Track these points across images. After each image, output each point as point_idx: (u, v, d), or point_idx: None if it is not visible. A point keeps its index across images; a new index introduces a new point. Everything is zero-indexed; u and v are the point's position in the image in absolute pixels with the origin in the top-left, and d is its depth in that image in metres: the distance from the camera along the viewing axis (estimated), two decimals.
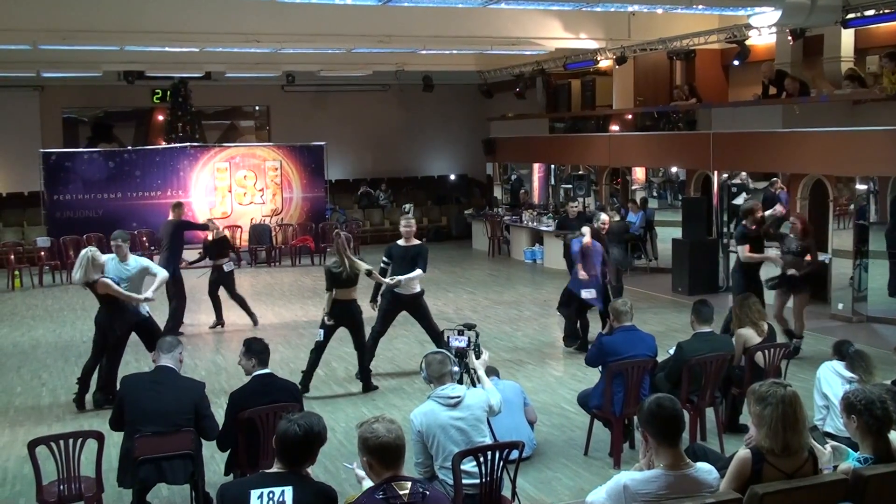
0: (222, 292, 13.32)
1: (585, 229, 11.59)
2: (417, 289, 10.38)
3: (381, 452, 3.99)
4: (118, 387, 7.35)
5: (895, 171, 12.92)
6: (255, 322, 13.52)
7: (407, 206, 24.85)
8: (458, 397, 5.72)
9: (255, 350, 6.55)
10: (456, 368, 6.00)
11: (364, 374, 10.05)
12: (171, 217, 13.60)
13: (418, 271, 10.12)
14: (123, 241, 9.77)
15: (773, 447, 4.32)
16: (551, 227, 18.41)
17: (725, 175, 16.51)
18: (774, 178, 16.72)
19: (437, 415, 5.66)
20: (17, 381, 10.81)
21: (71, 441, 5.95)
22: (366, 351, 10.03)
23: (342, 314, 9.79)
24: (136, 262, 9.77)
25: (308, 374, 9.78)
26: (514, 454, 5.66)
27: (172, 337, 6.84)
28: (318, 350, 9.86)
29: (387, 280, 10.13)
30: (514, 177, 24.71)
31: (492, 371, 7.67)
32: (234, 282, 13.48)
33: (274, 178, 21.59)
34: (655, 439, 4.30)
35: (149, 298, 9.49)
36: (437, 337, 10.31)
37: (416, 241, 10.45)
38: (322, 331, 9.86)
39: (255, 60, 19.25)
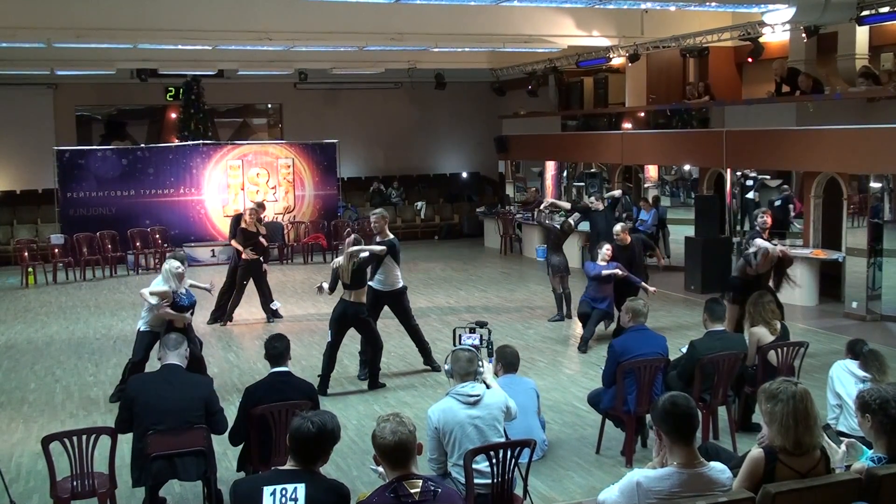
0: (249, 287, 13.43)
1: (607, 248, 11.50)
2: (399, 285, 10.36)
3: (385, 453, 4.05)
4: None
5: None
6: (269, 318, 13.60)
7: (419, 203, 24.89)
8: (478, 396, 5.72)
9: (266, 349, 6.61)
10: (482, 369, 5.99)
11: (372, 372, 10.04)
12: None
13: (370, 248, 9.91)
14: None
15: (785, 444, 4.30)
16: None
17: (739, 172, 16.47)
18: (785, 186, 16.81)
19: (455, 412, 5.66)
20: (31, 377, 10.87)
21: (84, 437, 5.98)
22: (378, 349, 10.02)
23: (347, 314, 9.75)
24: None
25: (325, 377, 9.73)
26: (525, 457, 5.66)
27: (177, 334, 6.83)
28: (330, 350, 9.82)
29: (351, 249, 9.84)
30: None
31: (510, 367, 7.65)
32: (266, 274, 13.67)
33: (286, 175, 21.64)
34: (669, 437, 4.28)
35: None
36: (414, 333, 10.43)
37: (390, 236, 10.36)
38: (331, 331, 9.85)
39: (267, 58, 19.30)
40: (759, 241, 10.34)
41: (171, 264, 9.18)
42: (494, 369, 7.58)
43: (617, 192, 15.00)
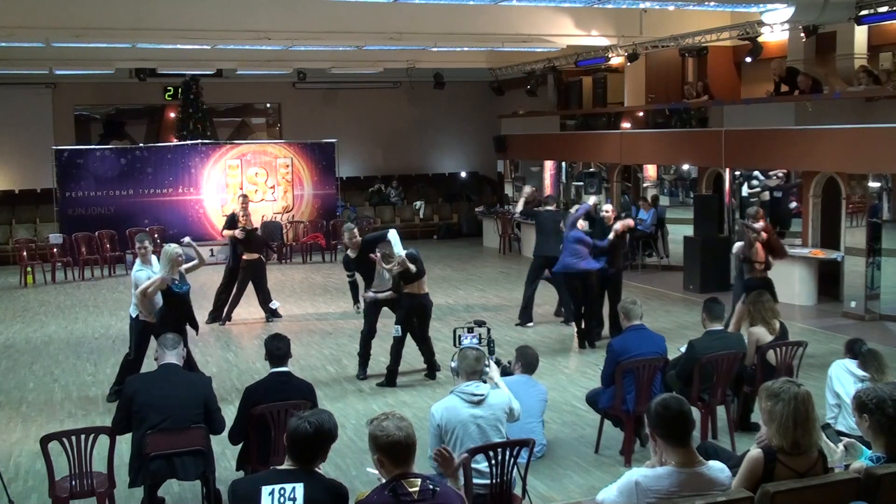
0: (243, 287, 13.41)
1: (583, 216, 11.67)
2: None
3: (392, 451, 3.97)
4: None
5: None
6: (268, 318, 13.57)
7: (418, 203, 24.89)
8: (482, 395, 5.73)
9: (270, 350, 6.60)
10: (487, 369, 5.99)
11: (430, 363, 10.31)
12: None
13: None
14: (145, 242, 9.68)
15: (782, 444, 4.30)
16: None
17: (738, 172, 16.46)
18: (782, 174, 16.77)
19: (458, 411, 5.67)
20: (30, 377, 10.86)
21: (83, 437, 5.98)
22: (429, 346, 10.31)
23: (415, 307, 10.02)
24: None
25: (392, 371, 10.00)
26: (524, 458, 5.66)
27: (174, 335, 6.82)
28: (396, 345, 10.00)
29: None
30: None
31: (529, 367, 7.64)
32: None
33: (285, 175, 21.63)
34: (664, 441, 4.28)
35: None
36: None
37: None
38: (399, 326, 10.00)
39: (266, 58, 19.30)
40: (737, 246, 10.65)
41: (173, 250, 9.32)
42: (513, 367, 7.58)
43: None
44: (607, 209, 12.01)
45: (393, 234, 10.00)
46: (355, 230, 10.49)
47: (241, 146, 21.75)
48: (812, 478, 4.29)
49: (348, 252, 10.49)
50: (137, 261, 9.77)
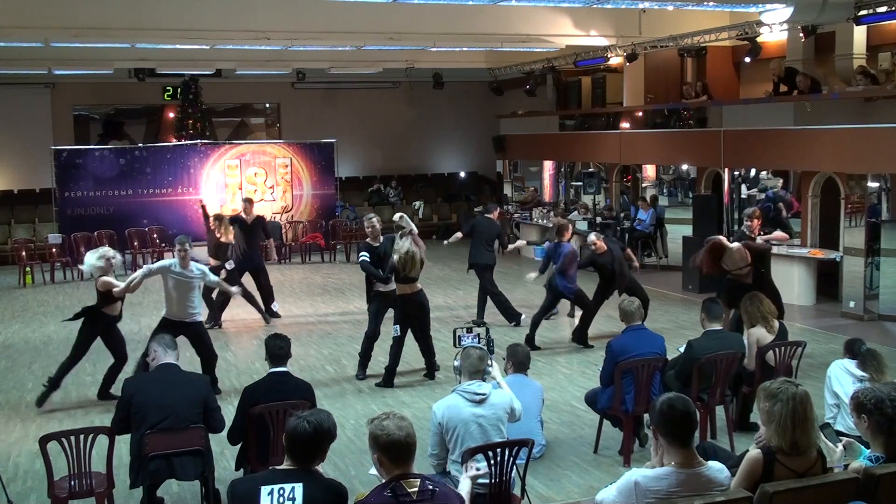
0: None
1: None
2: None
3: (392, 450, 3.99)
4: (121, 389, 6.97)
5: None
6: (267, 320, 13.54)
7: (417, 203, 24.88)
8: (484, 395, 5.73)
9: (270, 349, 6.60)
10: (490, 369, 5.99)
11: (430, 363, 10.29)
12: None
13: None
14: (190, 245, 9.67)
15: (781, 444, 4.31)
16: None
17: (738, 173, 16.45)
18: (778, 179, 16.80)
19: (460, 409, 5.67)
20: (29, 377, 10.86)
21: (82, 437, 5.98)
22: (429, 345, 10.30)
23: (413, 306, 10.00)
24: (197, 269, 9.66)
25: (391, 370, 9.98)
26: (523, 458, 5.66)
27: (170, 335, 6.81)
28: (396, 345, 9.99)
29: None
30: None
31: (521, 366, 7.64)
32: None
33: (284, 175, 21.62)
34: (666, 440, 4.28)
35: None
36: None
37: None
38: (398, 325, 9.99)
39: (265, 58, 19.30)
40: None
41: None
42: (504, 367, 7.58)
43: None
44: (592, 239, 11.85)
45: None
46: (374, 219, 10.55)
47: (240, 146, 21.74)
48: (811, 478, 4.30)
49: (368, 240, 10.48)
50: (176, 262, 9.59)
